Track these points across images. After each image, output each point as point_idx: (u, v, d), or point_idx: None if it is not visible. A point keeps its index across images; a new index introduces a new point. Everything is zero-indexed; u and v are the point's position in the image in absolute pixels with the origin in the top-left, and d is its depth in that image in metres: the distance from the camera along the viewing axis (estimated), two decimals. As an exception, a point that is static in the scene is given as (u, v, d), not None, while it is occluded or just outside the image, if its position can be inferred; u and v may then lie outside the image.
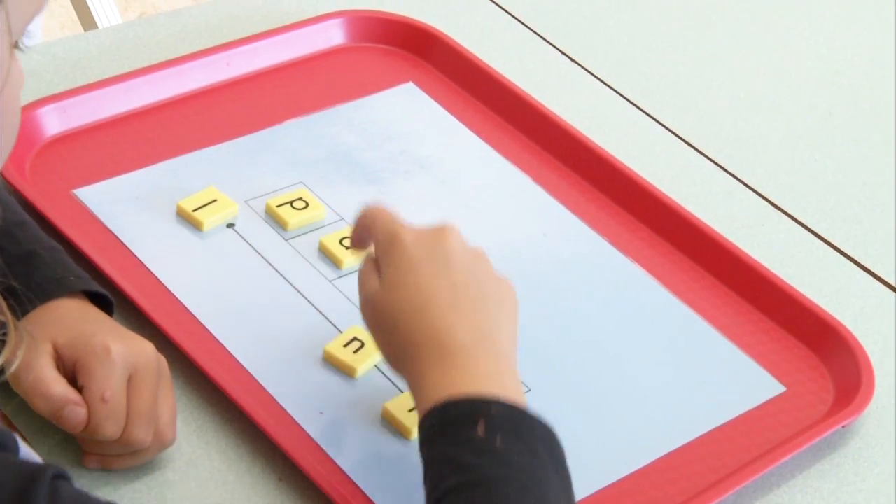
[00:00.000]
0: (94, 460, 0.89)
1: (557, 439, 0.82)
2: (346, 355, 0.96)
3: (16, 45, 0.72)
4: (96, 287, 0.93)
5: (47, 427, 0.88)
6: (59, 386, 0.86)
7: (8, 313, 0.78)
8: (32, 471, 0.70)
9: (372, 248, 0.91)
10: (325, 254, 1.04)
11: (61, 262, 0.94)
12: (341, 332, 0.98)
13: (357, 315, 0.99)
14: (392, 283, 0.87)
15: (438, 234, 0.89)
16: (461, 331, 0.84)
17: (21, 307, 0.89)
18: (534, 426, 0.81)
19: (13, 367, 0.82)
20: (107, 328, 0.90)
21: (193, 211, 1.05)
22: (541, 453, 0.80)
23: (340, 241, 1.04)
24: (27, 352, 0.85)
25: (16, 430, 0.90)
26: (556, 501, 0.79)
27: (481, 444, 0.79)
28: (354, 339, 0.97)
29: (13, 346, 0.78)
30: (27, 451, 0.78)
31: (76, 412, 0.86)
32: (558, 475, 0.80)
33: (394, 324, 0.86)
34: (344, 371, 0.96)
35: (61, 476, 0.72)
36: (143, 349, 0.88)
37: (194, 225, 1.05)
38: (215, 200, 1.06)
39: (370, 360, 0.97)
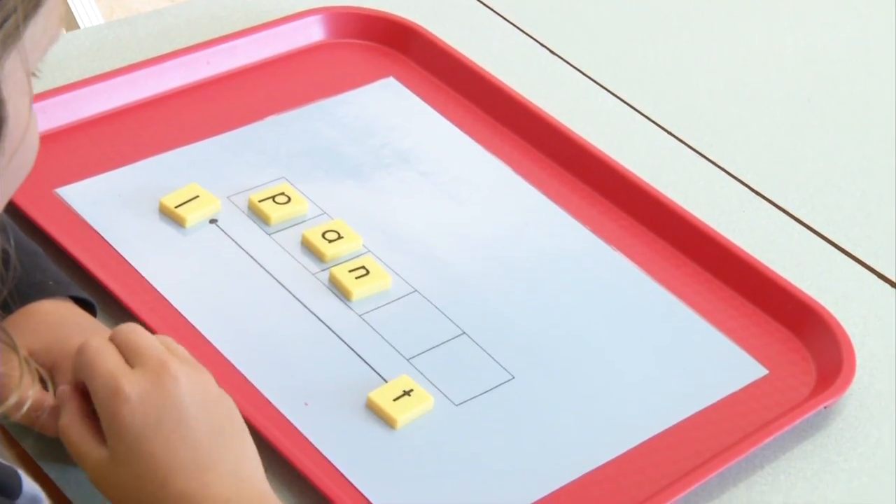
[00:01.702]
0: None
1: None
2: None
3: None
4: (76, 292, 0.93)
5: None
6: (33, 392, 0.85)
7: (19, 349, 0.76)
8: None
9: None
10: (307, 247, 1.05)
11: (41, 267, 0.93)
12: (324, 323, 0.99)
13: (341, 307, 1.01)
14: (123, 455, 0.79)
15: (164, 383, 0.80)
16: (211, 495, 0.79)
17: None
18: None
19: (24, 409, 0.81)
20: (87, 329, 0.89)
21: (176, 207, 1.05)
22: None
23: (323, 235, 1.05)
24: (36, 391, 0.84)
25: (6, 432, 0.90)
26: None
27: None
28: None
29: (25, 386, 0.78)
30: (31, 486, 0.77)
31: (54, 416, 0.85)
32: None
33: (133, 499, 0.79)
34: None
35: None
36: None
37: (177, 222, 1.05)
38: (198, 197, 1.06)
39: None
